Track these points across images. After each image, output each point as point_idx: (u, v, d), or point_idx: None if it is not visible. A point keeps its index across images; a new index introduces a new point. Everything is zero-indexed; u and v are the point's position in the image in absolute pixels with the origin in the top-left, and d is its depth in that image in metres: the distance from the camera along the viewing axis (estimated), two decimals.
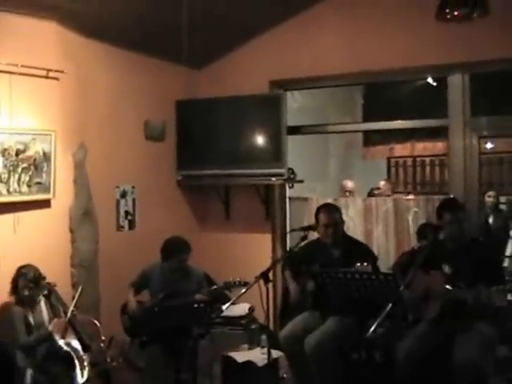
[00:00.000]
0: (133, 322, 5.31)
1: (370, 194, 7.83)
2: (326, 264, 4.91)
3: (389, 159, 11.18)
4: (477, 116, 6.12)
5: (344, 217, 5.35)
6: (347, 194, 7.49)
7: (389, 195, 7.33)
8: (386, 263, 6.30)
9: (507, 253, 6.35)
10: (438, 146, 10.14)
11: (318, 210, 5.22)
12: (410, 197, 7.16)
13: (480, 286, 4.08)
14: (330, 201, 6.33)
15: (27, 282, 4.73)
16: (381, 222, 6.67)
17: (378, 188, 7.66)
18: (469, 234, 4.77)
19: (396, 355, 4.43)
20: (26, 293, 4.73)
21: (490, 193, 7.51)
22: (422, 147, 10.78)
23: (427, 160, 11.00)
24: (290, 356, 5.07)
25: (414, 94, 8.61)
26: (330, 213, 5.14)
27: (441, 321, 4.37)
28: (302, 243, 5.00)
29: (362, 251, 5.01)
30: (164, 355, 5.05)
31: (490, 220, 7.28)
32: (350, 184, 7.68)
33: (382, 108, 8.87)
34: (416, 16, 5.90)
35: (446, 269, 4.45)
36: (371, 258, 4.91)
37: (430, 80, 7.01)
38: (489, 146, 9.86)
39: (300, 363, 4.94)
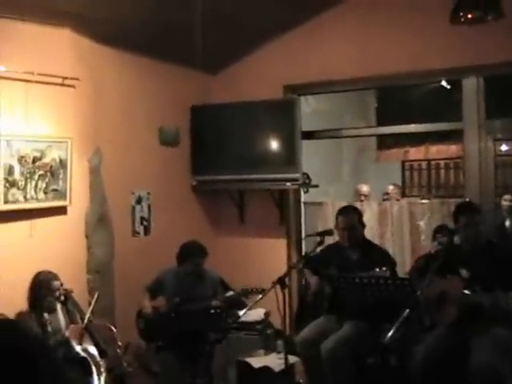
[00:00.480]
0: (148, 327, 5.32)
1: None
2: (343, 267, 4.91)
3: (403, 163, 11.15)
4: (491, 119, 6.10)
5: None
6: (362, 197, 7.46)
7: (398, 199, 7.30)
8: (401, 267, 6.28)
9: None
10: (452, 149, 10.10)
11: (338, 212, 5.24)
12: (425, 201, 7.12)
13: (498, 292, 4.06)
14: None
15: (46, 289, 4.76)
16: (396, 225, 6.65)
17: (387, 193, 7.62)
18: (485, 237, 4.76)
19: (412, 360, 4.42)
20: (45, 299, 4.76)
21: (507, 196, 7.46)
22: (435, 150, 10.73)
23: (441, 163, 10.96)
24: (307, 360, 5.07)
25: (427, 97, 8.59)
26: (348, 215, 5.15)
27: (457, 325, 4.36)
28: (318, 248, 5.01)
29: (380, 256, 5.01)
30: (180, 360, 5.07)
31: (507, 223, 7.23)
32: (364, 188, 7.66)
33: (396, 112, 8.85)
34: (429, 19, 5.89)
35: (464, 273, 4.43)
36: (390, 263, 4.90)
37: (443, 83, 7.00)
38: (503, 148, 9.82)
39: (316, 368, 4.94)
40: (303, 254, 6.62)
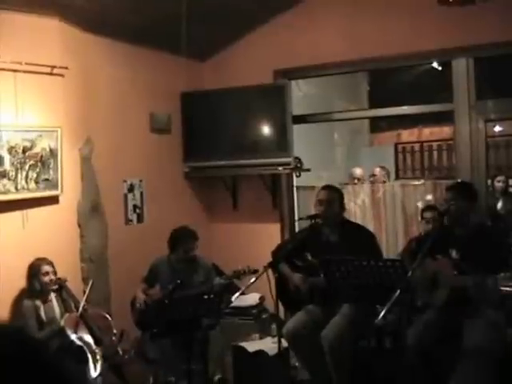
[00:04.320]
0: (143, 315, 5.34)
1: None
2: (320, 249, 4.89)
3: (396, 145, 11.16)
4: (482, 100, 6.10)
5: (352, 204, 5.32)
6: (356, 181, 7.47)
7: (384, 181, 7.31)
8: (394, 249, 6.31)
9: None
10: (445, 131, 10.12)
11: (320, 188, 5.22)
12: (418, 182, 7.13)
13: (483, 274, 4.07)
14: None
15: (37, 274, 4.79)
16: (389, 207, 6.67)
17: (374, 175, 7.61)
18: (476, 219, 4.77)
19: (405, 341, 4.45)
20: (37, 284, 4.78)
21: (500, 177, 7.47)
22: (429, 132, 10.76)
23: (434, 145, 10.98)
24: (295, 350, 5.06)
25: (419, 79, 8.59)
26: (326, 189, 5.12)
27: (449, 307, 4.38)
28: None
29: (358, 232, 5.01)
30: (175, 347, 5.09)
31: (499, 205, 7.24)
32: (358, 171, 7.66)
33: (388, 94, 8.86)
34: (418, 1, 5.88)
35: (454, 253, 4.45)
36: (369, 237, 4.94)
37: (435, 64, 6.99)
38: (497, 129, 9.82)
39: (307, 355, 4.96)
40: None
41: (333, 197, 5.05)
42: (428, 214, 5.59)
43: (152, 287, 5.51)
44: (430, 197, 6.48)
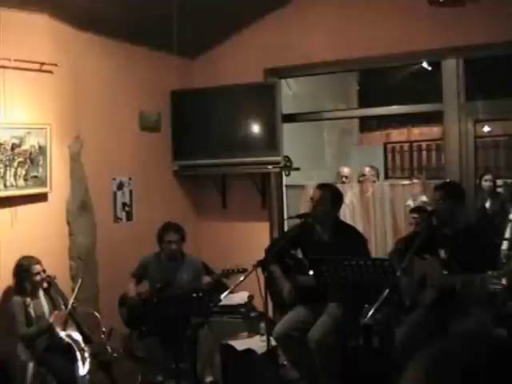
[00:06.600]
0: (131, 313, 5.33)
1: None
2: (313, 248, 4.90)
3: (385, 145, 11.19)
4: (471, 100, 6.12)
5: None
6: (344, 179, 7.48)
7: (374, 181, 7.33)
8: (383, 249, 6.32)
9: (506, 235, 6.33)
10: (435, 131, 10.14)
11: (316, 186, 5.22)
12: (406, 182, 7.15)
13: (471, 273, 4.08)
14: None
15: (27, 273, 4.77)
16: (378, 207, 6.68)
17: (364, 175, 7.62)
18: (464, 219, 4.79)
19: (394, 341, 4.45)
20: (26, 283, 4.76)
21: (487, 177, 7.47)
22: (418, 132, 10.78)
23: (423, 145, 11.01)
24: (286, 352, 5.07)
25: (409, 80, 8.61)
26: (318, 188, 5.08)
27: (437, 306, 4.39)
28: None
29: (350, 234, 5.01)
30: (163, 345, 5.09)
31: (487, 204, 7.26)
32: (346, 170, 7.66)
33: (378, 94, 8.87)
34: (409, 1, 5.89)
35: (442, 253, 4.46)
36: (360, 240, 4.93)
37: (424, 65, 7.01)
38: (486, 129, 9.86)
39: (296, 356, 4.96)
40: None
41: (323, 196, 5.01)
42: (416, 215, 5.61)
43: (140, 282, 5.51)
44: (424, 197, 6.48)
